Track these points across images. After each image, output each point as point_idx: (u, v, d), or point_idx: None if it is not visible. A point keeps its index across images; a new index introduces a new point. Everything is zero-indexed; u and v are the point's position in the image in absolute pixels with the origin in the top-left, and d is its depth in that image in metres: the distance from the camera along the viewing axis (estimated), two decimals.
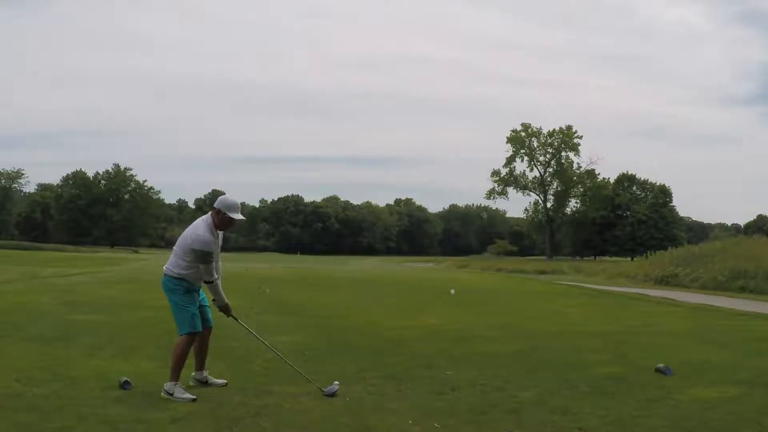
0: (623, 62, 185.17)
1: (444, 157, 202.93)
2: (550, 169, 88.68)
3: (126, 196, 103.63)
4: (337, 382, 5.87)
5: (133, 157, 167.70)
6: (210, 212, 5.74)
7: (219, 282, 5.75)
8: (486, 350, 8.18)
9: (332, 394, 5.54)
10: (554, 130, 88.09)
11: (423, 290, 19.55)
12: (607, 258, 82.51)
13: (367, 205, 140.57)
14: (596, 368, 7.05)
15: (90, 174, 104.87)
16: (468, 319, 11.72)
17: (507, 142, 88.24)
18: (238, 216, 5.65)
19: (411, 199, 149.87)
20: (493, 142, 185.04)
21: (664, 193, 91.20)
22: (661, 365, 6.84)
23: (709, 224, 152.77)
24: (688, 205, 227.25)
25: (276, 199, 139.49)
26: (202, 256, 5.51)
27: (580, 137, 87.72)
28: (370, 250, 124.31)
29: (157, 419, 4.79)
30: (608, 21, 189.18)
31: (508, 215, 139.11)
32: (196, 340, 5.76)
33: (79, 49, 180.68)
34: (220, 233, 5.75)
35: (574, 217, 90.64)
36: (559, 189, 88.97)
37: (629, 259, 67.49)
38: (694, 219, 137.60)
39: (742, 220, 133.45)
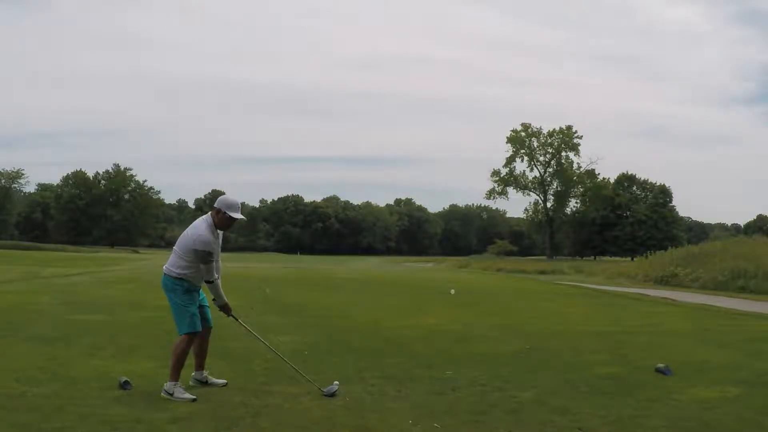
0: (623, 62, 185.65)
1: (444, 157, 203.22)
2: (550, 169, 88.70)
3: (126, 196, 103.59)
4: (336, 383, 5.87)
5: (133, 157, 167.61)
6: (210, 212, 5.75)
7: (219, 281, 5.75)
8: (486, 350, 8.18)
9: (332, 395, 5.53)
10: (554, 130, 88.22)
11: (423, 290, 19.54)
12: (607, 258, 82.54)
13: (367, 205, 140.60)
14: (596, 368, 7.05)
15: (90, 174, 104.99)
16: (468, 319, 11.71)
17: (507, 142, 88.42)
18: (238, 215, 5.66)
19: (411, 199, 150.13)
20: (493, 142, 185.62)
21: (664, 193, 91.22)
22: (661, 365, 6.84)
23: (709, 224, 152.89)
24: (688, 205, 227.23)
25: (276, 199, 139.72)
26: (203, 256, 5.51)
27: (580, 137, 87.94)
28: (370, 250, 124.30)
29: (157, 419, 4.79)
30: (608, 21, 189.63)
31: (508, 215, 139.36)
32: (196, 340, 5.76)
33: (79, 49, 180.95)
34: (221, 233, 5.76)
35: (574, 217, 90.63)
36: (559, 189, 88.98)
37: (629, 259, 67.49)
38: (694, 219, 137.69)
39: (742, 220, 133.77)
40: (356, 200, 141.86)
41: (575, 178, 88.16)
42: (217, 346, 6.71)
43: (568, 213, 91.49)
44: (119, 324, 9.94)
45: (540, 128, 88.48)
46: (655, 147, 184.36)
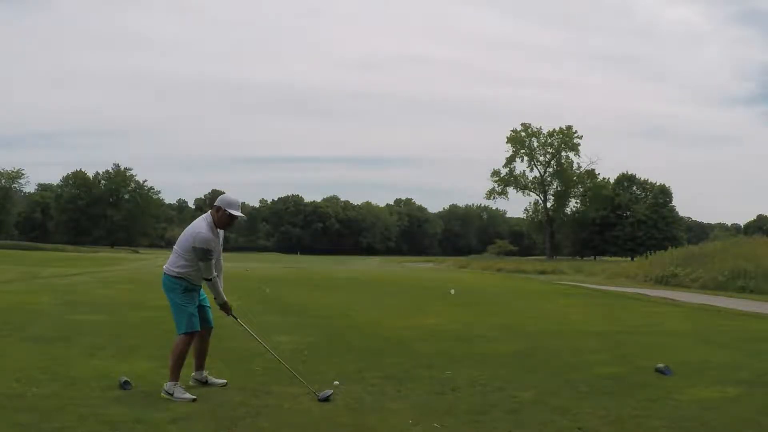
0: (623, 62, 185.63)
1: (444, 157, 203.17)
2: (550, 169, 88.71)
3: (126, 196, 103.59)
4: (337, 382, 5.87)
5: (133, 157, 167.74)
6: (210, 211, 5.76)
7: (219, 280, 5.76)
8: (486, 350, 8.17)
9: (326, 399, 5.43)
10: (554, 130, 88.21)
11: (423, 290, 19.54)
12: (607, 258, 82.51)
13: (367, 205, 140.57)
14: (596, 368, 7.05)
15: (90, 174, 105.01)
16: (468, 319, 11.71)
17: (507, 142, 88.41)
18: (238, 213, 5.67)
19: (411, 199, 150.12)
20: (493, 142, 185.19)
21: (664, 193, 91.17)
22: (661, 365, 6.85)
23: (709, 224, 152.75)
24: (688, 205, 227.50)
25: (276, 199, 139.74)
26: (202, 254, 5.52)
27: (580, 137, 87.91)
28: (370, 250, 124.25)
29: (157, 419, 4.79)
30: (608, 21, 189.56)
31: (508, 215, 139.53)
32: (196, 340, 5.76)
33: (79, 49, 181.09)
34: (221, 232, 5.76)
35: (574, 217, 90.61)
36: (559, 189, 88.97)
37: (629, 259, 67.48)
38: (694, 219, 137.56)
39: (742, 220, 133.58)
40: (356, 200, 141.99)
41: (575, 178, 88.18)
42: (217, 346, 6.71)
43: (568, 213, 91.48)
44: (119, 324, 9.94)
45: (540, 128, 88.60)
46: (655, 147, 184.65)
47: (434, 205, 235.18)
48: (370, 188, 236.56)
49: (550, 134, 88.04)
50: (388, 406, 5.32)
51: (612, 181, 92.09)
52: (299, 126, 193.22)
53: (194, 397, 5.42)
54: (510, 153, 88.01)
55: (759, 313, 13.78)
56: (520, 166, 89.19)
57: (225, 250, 6.17)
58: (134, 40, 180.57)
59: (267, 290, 16.80)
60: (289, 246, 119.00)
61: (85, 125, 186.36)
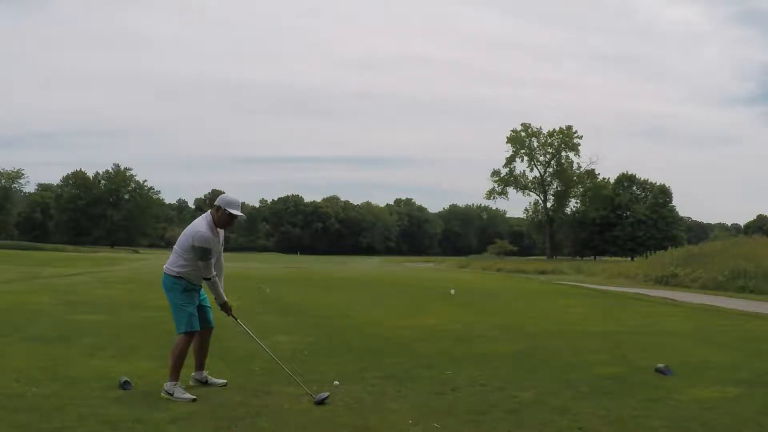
0: (623, 62, 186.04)
1: (444, 157, 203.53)
2: (550, 169, 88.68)
3: (126, 196, 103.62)
4: (337, 382, 5.87)
5: (133, 157, 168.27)
6: (210, 210, 5.76)
7: (219, 280, 5.76)
8: (486, 350, 8.17)
9: (321, 402, 5.33)
10: (554, 130, 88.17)
11: (423, 290, 19.53)
12: (607, 258, 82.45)
13: (367, 205, 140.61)
14: (596, 368, 7.05)
15: (90, 174, 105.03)
16: (468, 319, 11.71)
17: (507, 142, 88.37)
18: (238, 212, 5.67)
19: (411, 199, 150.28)
20: (493, 142, 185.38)
21: (664, 193, 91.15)
22: (661, 365, 6.85)
23: (709, 224, 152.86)
24: (688, 205, 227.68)
25: (276, 199, 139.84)
26: (201, 253, 5.51)
27: (580, 137, 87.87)
28: (370, 250, 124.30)
29: (157, 419, 4.79)
30: (608, 21, 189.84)
31: (508, 215, 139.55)
32: (196, 340, 5.76)
33: (79, 49, 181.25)
34: (221, 232, 5.76)
35: (574, 217, 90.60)
36: (559, 189, 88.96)
37: (629, 259, 67.45)
38: (694, 219, 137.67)
39: (742, 220, 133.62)
40: (356, 200, 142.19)
41: (575, 178, 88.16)
42: (217, 347, 6.71)
43: (568, 213, 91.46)
44: (119, 324, 9.94)
45: (540, 128, 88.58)
46: (655, 147, 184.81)
47: (434, 205, 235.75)
48: (370, 188, 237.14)
49: (550, 134, 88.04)
50: (388, 406, 5.32)
51: (612, 181, 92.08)
52: (299, 126, 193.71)
53: (194, 397, 5.42)
54: (510, 153, 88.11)
55: (759, 313, 13.78)
56: (520, 166, 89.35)
57: (225, 250, 6.17)
58: (134, 40, 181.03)
59: (267, 290, 16.79)
60: (289, 246, 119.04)
61: (85, 125, 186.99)
